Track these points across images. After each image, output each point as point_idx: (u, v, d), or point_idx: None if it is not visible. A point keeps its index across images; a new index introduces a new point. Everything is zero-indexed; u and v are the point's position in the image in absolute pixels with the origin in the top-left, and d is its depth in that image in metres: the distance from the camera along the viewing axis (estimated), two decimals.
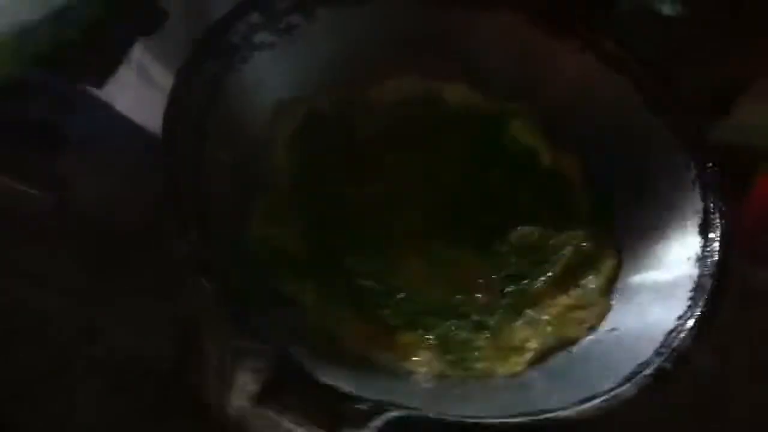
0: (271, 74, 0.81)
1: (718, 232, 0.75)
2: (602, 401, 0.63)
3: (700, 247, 0.74)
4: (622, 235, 0.81)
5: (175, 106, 0.73)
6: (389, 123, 0.85)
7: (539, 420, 0.62)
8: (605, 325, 0.75)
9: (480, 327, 0.74)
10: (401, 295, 0.75)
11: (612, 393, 0.64)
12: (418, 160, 0.84)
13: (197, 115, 0.74)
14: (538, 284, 0.78)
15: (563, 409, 0.62)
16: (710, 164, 0.78)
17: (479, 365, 0.71)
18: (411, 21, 0.87)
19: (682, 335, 0.68)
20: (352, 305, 0.73)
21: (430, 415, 0.61)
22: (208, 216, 0.69)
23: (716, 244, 0.74)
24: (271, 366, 0.59)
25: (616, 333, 0.74)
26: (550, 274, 0.78)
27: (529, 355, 0.73)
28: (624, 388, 0.65)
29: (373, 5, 0.86)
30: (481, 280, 0.78)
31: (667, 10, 0.93)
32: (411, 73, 0.88)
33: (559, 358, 0.73)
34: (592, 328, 0.75)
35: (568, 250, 0.80)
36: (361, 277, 0.75)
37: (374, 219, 0.79)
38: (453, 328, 0.74)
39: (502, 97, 0.88)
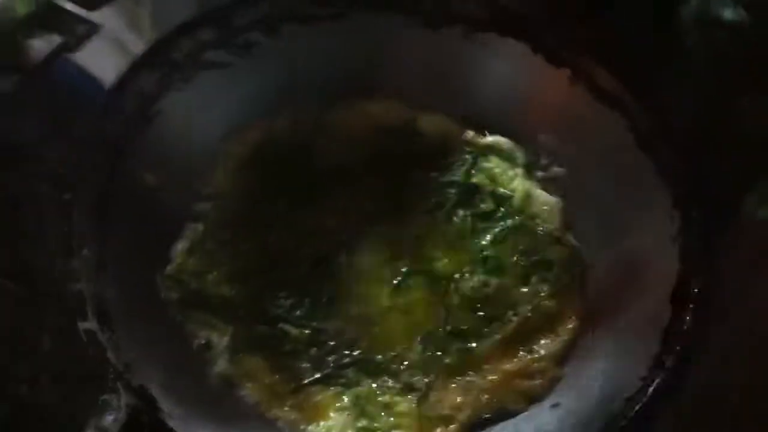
0: (221, 96, 0.76)
1: (691, 306, 0.64)
2: None
3: (669, 319, 0.63)
4: (590, 294, 0.72)
5: (106, 120, 0.68)
6: (355, 153, 0.79)
7: None
8: (549, 400, 0.65)
9: (407, 389, 0.67)
10: (327, 347, 0.68)
11: None
12: (379, 193, 0.78)
13: (125, 131, 0.69)
14: (486, 345, 0.70)
15: None
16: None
17: None
18: (390, 42, 0.80)
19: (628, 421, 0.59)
20: (264, 352, 0.68)
21: None
22: (110, 244, 0.65)
23: (687, 318, 0.63)
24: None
25: (558, 411, 0.64)
26: (498, 336, 0.70)
27: (453, 428, 0.64)
28: None
29: (349, 22, 0.79)
30: (421, 336, 0.69)
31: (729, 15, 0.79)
32: (386, 99, 0.81)
33: None
34: (534, 401, 0.65)
35: (525, 309, 0.71)
36: (285, 323, 0.69)
37: (314, 258, 0.73)
38: (376, 388, 0.66)
39: (482, 129, 0.80)
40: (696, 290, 0.65)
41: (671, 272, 0.67)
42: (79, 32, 0.70)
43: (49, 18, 0.70)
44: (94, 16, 0.72)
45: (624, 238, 0.72)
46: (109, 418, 0.55)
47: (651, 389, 0.62)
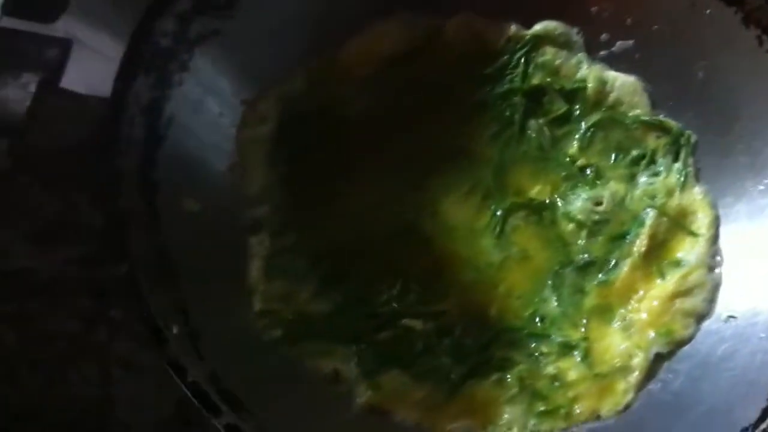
0: (224, 73, 0.63)
1: None
2: None
3: None
4: (712, 176, 0.65)
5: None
6: (386, 93, 0.68)
7: None
8: (718, 312, 0.60)
9: (566, 349, 0.60)
10: (458, 330, 0.61)
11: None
12: (431, 132, 0.67)
13: (144, 159, 0.57)
14: (623, 271, 0.62)
15: None
16: None
17: (579, 408, 0.56)
18: None
19: None
20: (401, 362, 0.59)
21: None
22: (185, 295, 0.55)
23: None
24: None
25: (736, 322, 0.59)
26: (632, 256, 0.63)
27: (635, 376, 0.57)
28: None
29: None
30: (551, 282, 0.61)
31: None
32: (399, 16, 0.68)
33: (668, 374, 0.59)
34: (703, 318, 0.59)
35: (648, 215, 0.63)
36: (404, 317, 0.61)
37: (396, 232, 0.64)
38: (533, 360, 0.60)
39: (524, 18, 0.69)
40: None
41: None
42: (51, 56, 0.54)
43: (10, 52, 0.54)
44: (58, 30, 0.56)
45: (730, 99, 0.64)
46: None
47: None
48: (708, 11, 0.63)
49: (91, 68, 0.57)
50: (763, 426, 0.51)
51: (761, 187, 0.62)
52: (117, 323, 0.63)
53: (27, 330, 0.63)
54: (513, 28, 0.68)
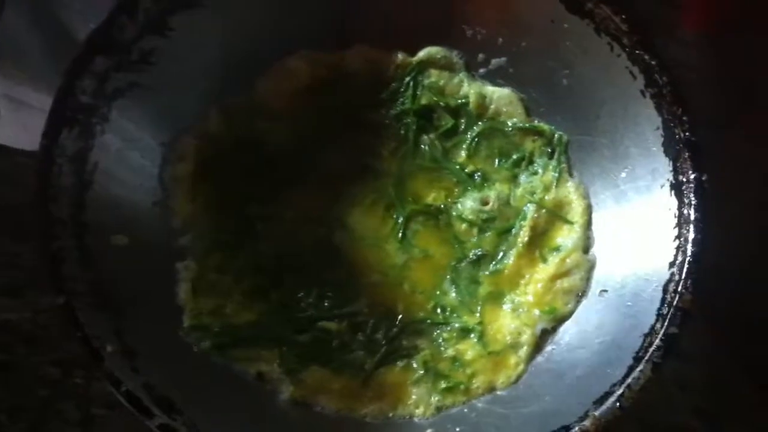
0: (144, 119, 0.69)
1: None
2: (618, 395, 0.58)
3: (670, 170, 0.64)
4: (582, 169, 0.73)
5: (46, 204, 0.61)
6: (299, 124, 0.75)
7: None
8: (593, 289, 0.68)
9: (463, 333, 0.68)
10: (369, 326, 0.68)
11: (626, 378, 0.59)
12: (340, 154, 0.74)
13: (70, 206, 0.63)
14: (511, 260, 0.70)
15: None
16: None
17: (476, 383, 0.64)
18: None
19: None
20: (319, 359, 0.66)
21: None
22: (119, 318, 0.61)
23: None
24: None
25: (608, 296, 0.67)
26: (518, 247, 0.70)
27: (524, 350, 0.65)
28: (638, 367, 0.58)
29: None
30: (449, 276, 0.68)
31: None
32: (301, 52, 0.75)
33: (552, 346, 0.68)
34: (582, 295, 0.68)
35: (530, 209, 0.71)
36: (320, 321, 0.68)
37: (313, 246, 0.71)
38: (435, 345, 0.67)
39: (409, 47, 0.76)
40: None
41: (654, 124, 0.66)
42: None
43: None
44: None
45: (591, 101, 0.71)
46: None
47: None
48: (566, 25, 0.70)
49: (20, 122, 0.64)
50: (628, 381, 0.58)
51: (623, 174, 0.68)
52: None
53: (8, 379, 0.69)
54: (400, 56, 0.75)
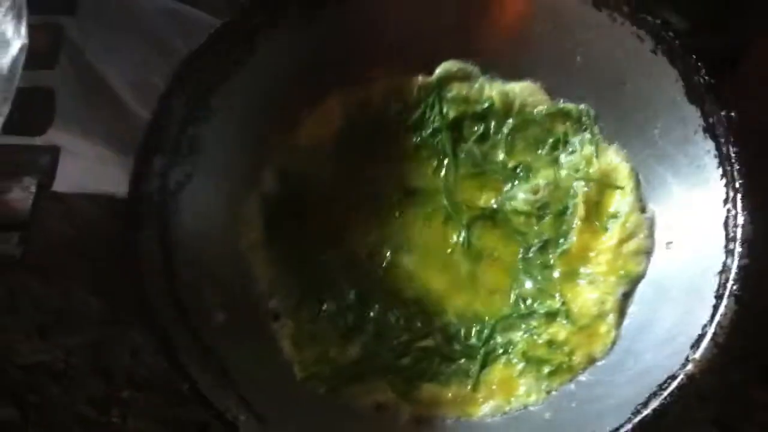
0: (207, 203, 0.73)
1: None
2: None
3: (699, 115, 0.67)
4: (617, 136, 0.75)
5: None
6: (333, 162, 0.78)
7: None
8: (660, 243, 0.70)
9: (551, 317, 0.71)
10: (462, 335, 0.72)
11: None
12: (384, 185, 0.78)
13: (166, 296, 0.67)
14: (574, 239, 0.73)
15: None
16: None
17: (576, 359, 0.67)
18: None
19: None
20: (429, 375, 0.70)
21: None
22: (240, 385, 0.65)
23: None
24: None
25: (675, 249, 0.70)
26: (576, 224, 0.73)
27: (612, 317, 0.68)
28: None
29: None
30: (521, 267, 0.73)
31: None
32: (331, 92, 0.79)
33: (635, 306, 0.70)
34: (650, 252, 0.70)
35: (579, 186, 0.74)
36: (420, 341, 0.71)
37: (383, 268, 0.75)
38: (528, 335, 0.70)
39: (426, 67, 0.79)
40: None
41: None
42: (44, 163, 0.67)
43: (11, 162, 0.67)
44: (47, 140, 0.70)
45: (608, 72, 0.74)
46: None
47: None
48: (565, 8, 0.73)
49: (75, 170, 0.68)
50: (717, 318, 0.61)
51: (656, 131, 0.71)
52: (127, 403, 0.71)
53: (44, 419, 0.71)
54: (420, 78, 0.79)
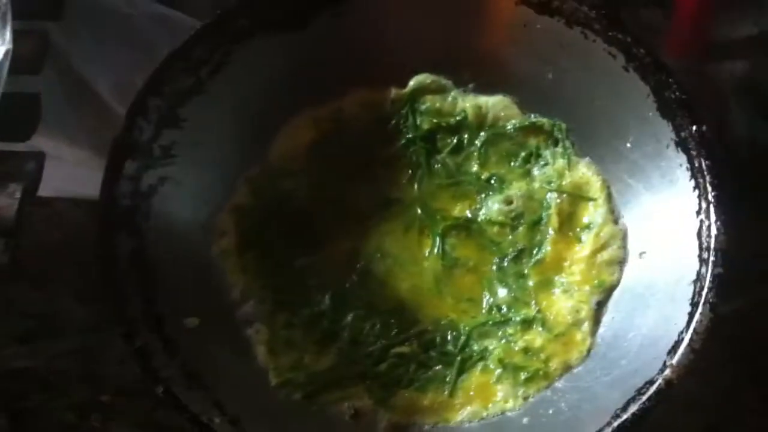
0: (180, 207, 0.72)
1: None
2: None
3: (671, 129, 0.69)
4: (589, 149, 0.77)
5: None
6: (312, 175, 0.78)
7: None
8: (633, 254, 0.72)
9: (526, 325, 0.71)
10: (438, 342, 0.71)
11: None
12: (359, 196, 0.78)
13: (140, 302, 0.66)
14: (548, 249, 0.74)
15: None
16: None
17: (553, 366, 0.67)
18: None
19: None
20: (404, 382, 0.69)
21: None
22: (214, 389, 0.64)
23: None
24: None
25: (647, 258, 0.71)
26: (550, 234, 0.74)
27: (587, 325, 0.69)
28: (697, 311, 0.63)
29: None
30: (495, 278, 0.73)
31: None
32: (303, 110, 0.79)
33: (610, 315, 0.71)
34: (623, 263, 0.71)
35: (552, 198, 0.75)
36: (395, 347, 0.71)
37: (357, 275, 0.74)
38: (505, 342, 0.70)
39: (399, 81, 0.80)
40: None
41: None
42: (29, 169, 0.66)
43: None
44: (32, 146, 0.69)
45: (580, 88, 0.75)
46: None
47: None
48: (538, 26, 0.75)
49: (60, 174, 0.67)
50: (692, 325, 0.62)
51: (628, 145, 0.72)
52: (109, 408, 0.70)
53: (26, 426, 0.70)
54: (393, 91, 0.79)
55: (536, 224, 0.74)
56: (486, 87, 0.79)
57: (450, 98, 0.79)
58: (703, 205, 0.66)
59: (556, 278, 0.72)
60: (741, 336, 0.77)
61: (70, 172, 0.69)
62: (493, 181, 0.77)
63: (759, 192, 0.78)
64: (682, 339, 0.62)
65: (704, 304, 0.62)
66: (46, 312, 0.75)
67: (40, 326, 0.74)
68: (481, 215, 0.76)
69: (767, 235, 0.79)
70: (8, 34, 0.62)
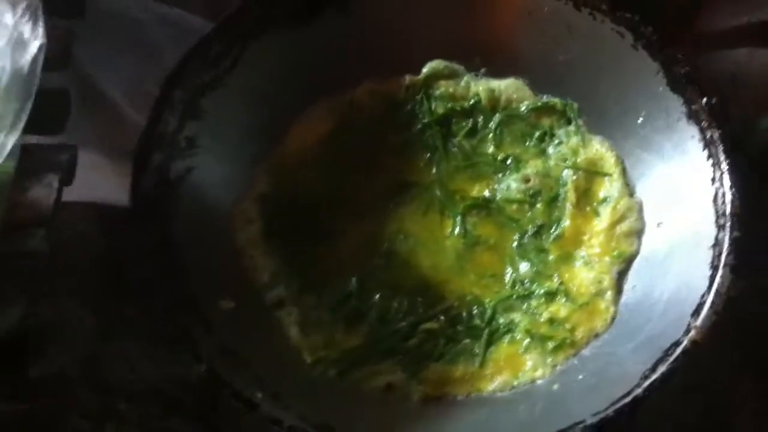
0: (206, 196, 0.74)
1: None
2: None
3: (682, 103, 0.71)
4: (601, 126, 0.79)
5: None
6: (332, 163, 0.80)
7: None
8: (650, 225, 0.73)
9: (550, 296, 0.72)
10: (464, 317, 0.72)
11: None
12: (380, 184, 0.79)
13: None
14: (566, 224, 0.75)
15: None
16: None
17: (579, 334, 0.69)
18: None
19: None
20: (433, 359, 0.70)
21: None
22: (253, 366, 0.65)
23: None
24: None
25: (664, 229, 0.73)
26: (567, 208, 0.75)
27: (609, 294, 0.70)
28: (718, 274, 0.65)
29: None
30: (517, 253, 0.75)
31: None
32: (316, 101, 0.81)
33: (632, 283, 0.72)
34: (640, 233, 0.73)
35: (568, 175, 0.77)
36: (423, 323, 0.72)
37: (381, 256, 0.76)
38: (529, 314, 0.72)
39: (413, 69, 0.82)
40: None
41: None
42: (63, 160, 0.68)
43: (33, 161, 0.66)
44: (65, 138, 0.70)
45: (591, 68, 0.78)
46: None
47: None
48: (546, 9, 0.77)
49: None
50: (714, 287, 0.64)
51: (640, 120, 0.75)
52: (123, 416, 0.70)
53: None
54: (407, 78, 0.81)
55: (554, 201, 0.76)
56: (498, 71, 0.81)
57: (463, 83, 0.81)
58: (717, 173, 0.68)
59: (576, 252, 0.74)
60: (741, 318, 0.77)
61: (80, 176, 0.70)
62: (509, 162, 0.78)
63: None
64: (705, 301, 0.64)
65: (724, 266, 0.64)
66: (54, 319, 0.75)
67: (49, 333, 0.74)
68: (499, 194, 0.77)
69: None
70: (40, 30, 0.63)
